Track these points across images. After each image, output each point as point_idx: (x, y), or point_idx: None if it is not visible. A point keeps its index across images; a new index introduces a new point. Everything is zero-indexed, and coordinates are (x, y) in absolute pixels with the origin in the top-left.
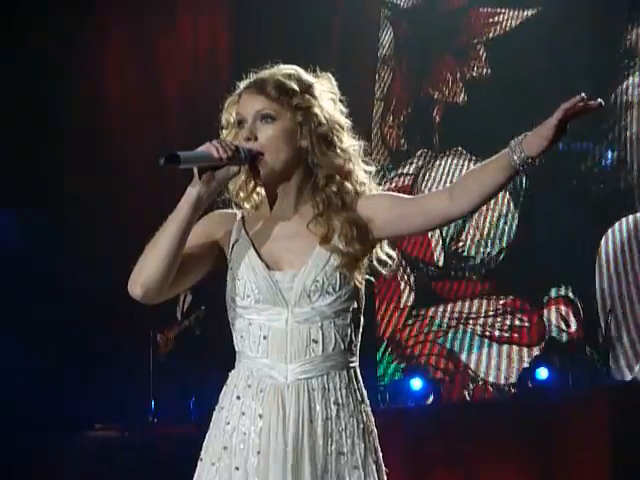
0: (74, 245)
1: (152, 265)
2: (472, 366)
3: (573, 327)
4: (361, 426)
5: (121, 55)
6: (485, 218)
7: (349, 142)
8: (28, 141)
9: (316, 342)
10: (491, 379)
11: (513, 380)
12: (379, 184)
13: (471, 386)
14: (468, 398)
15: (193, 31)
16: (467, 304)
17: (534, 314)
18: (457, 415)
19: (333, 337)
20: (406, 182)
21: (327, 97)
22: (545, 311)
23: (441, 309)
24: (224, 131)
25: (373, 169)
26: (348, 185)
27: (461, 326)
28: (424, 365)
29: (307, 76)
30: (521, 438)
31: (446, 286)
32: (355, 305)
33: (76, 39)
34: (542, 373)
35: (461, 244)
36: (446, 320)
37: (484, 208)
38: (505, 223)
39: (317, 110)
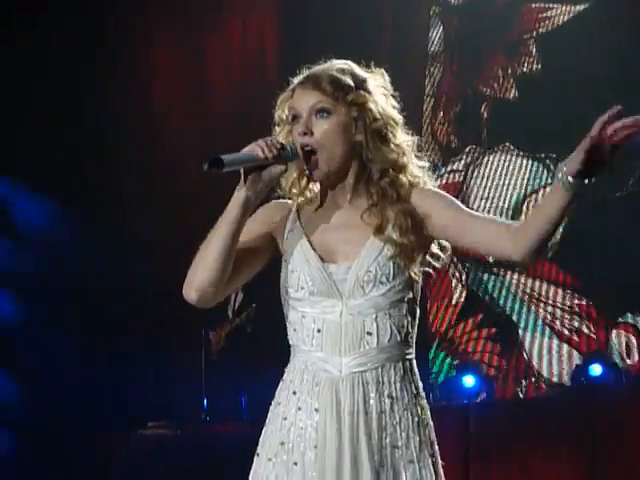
0: (120, 246)
1: (205, 269)
2: (527, 348)
3: (634, 359)
4: (415, 419)
5: (168, 55)
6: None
7: (403, 137)
8: (74, 141)
9: (370, 334)
10: (544, 373)
11: (565, 379)
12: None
13: (524, 383)
14: (521, 395)
15: (241, 31)
16: (544, 286)
17: (603, 330)
18: (510, 412)
19: (388, 329)
20: (457, 179)
21: (380, 92)
22: (614, 332)
23: (516, 277)
24: (277, 128)
25: (426, 164)
26: (402, 178)
27: (532, 304)
28: (477, 362)
29: (360, 71)
30: (574, 435)
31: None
32: (410, 295)
33: (122, 39)
34: (596, 369)
35: None
36: (520, 291)
37: (534, 203)
38: None
39: (371, 105)
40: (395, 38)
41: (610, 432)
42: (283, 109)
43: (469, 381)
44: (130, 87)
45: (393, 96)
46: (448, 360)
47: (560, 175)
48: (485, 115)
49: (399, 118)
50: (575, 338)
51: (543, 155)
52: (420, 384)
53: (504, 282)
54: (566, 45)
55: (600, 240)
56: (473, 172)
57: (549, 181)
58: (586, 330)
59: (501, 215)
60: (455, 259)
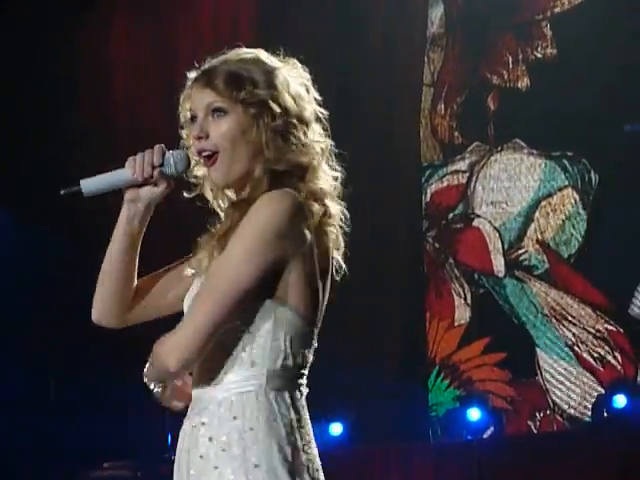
0: (75, 253)
1: (98, 293)
2: (543, 373)
3: None
4: (236, 463)
5: (132, 41)
6: (548, 221)
7: (314, 138)
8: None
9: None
10: (561, 404)
11: (585, 412)
12: (429, 183)
13: (538, 416)
14: (534, 430)
15: (213, 13)
16: (574, 303)
17: (632, 363)
18: (521, 449)
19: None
20: (459, 180)
21: (295, 83)
22: None
23: (543, 287)
24: (184, 131)
25: (338, 175)
26: (300, 185)
27: (554, 320)
28: (484, 393)
29: (269, 61)
30: (596, 475)
31: (563, 271)
32: (237, 321)
33: (81, 21)
34: (620, 400)
35: (522, 251)
36: (544, 304)
37: (548, 209)
38: (573, 227)
39: (272, 102)
40: (389, 19)
41: (637, 470)
42: (185, 109)
43: (474, 414)
44: (88, 80)
45: (321, 89)
46: (450, 390)
47: None
48: (492, 107)
49: (311, 115)
50: (599, 367)
51: (559, 153)
52: (257, 421)
53: (527, 290)
54: (584, 27)
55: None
56: (478, 173)
57: (565, 183)
58: (613, 360)
59: (510, 223)
60: (457, 272)
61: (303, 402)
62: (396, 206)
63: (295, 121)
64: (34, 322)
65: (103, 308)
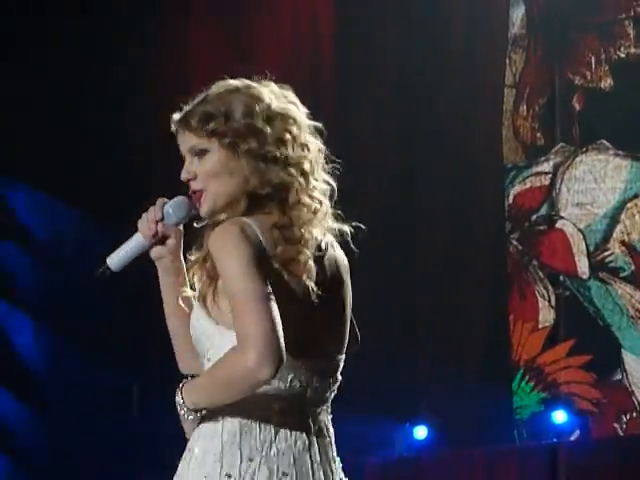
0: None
1: (175, 348)
2: (629, 375)
3: None
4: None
5: (210, 41)
6: (634, 222)
7: (299, 153)
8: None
9: None
10: None
11: None
12: (513, 184)
13: (624, 419)
14: (621, 433)
15: (292, 13)
16: None
17: None
18: (608, 452)
19: None
20: (543, 182)
21: (277, 104)
22: None
23: (628, 289)
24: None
25: (334, 185)
26: (278, 209)
27: (639, 321)
28: (569, 395)
29: (246, 89)
30: None
31: None
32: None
33: (160, 24)
34: None
35: (608, 253)
36: (630, 306)
37: (634, 210)
38: None
39: (247, 128)
40: (470, 20)
41: None
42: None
43: (560, 417)
44: (168, 75)
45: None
46: (535, 393)
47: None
48: (576, 108)
49: (298, 132)
50: None
51: None
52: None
53: (612, 292)
54: None
55: None
56: (563, 174)
57: None
58: None
59: (595, 225)
60: (541, 274)
61: (278, 406)
62: (479, 207)
63: (276, 141)
64: (118, 325)
65: (183, 361)
